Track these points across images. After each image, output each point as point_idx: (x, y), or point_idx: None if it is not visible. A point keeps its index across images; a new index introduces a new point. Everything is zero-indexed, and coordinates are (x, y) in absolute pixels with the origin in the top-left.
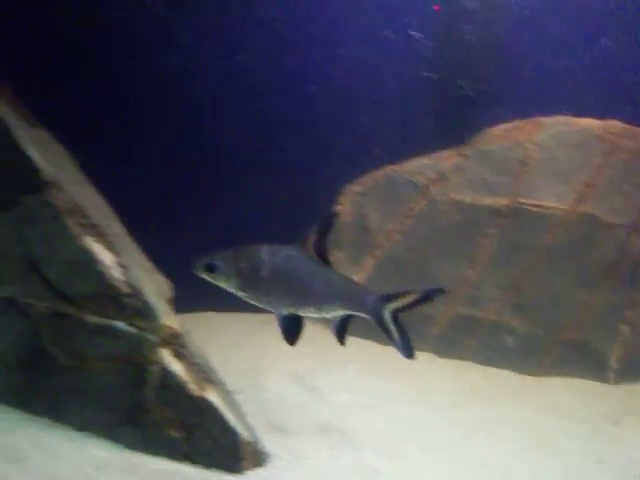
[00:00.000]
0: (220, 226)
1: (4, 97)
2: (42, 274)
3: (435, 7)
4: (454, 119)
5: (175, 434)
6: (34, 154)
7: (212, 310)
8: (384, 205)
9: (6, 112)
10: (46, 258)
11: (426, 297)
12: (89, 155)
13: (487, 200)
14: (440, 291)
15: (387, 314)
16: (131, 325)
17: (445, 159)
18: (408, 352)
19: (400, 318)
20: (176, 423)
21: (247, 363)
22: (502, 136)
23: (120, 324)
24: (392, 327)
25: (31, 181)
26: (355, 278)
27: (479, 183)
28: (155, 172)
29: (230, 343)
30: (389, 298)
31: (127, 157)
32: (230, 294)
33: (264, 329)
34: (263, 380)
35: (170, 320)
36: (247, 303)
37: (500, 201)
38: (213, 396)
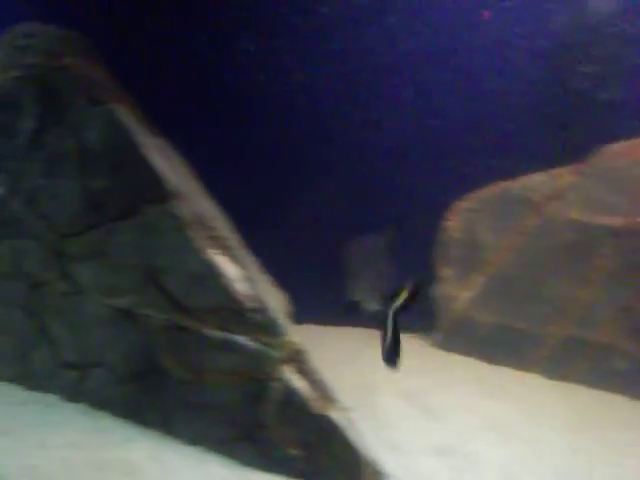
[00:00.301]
0: (327, 237)
1: (126, 105)
2: (162, 286)
3: (484, 14)
4: (573, 136)
5: (293, 452)
6: (158, 163)
7: (313, 323)
8: (495, 222)
9: (129, 120)
10: (167, 269)
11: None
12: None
13: (604, 219)
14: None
15: (391, 314)
16: (254, 340)
17: (561, 176)
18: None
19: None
20: (295, 441)
21: (357, 380)
22: (621, 154)
23: (242, 339)
24: (390, 329)
25: (154, 191)
26: (465, 295)
27: (596, 201)
28: (261, 182)
29: (338, 358)
30: (392, 296)
31: (239, 166)
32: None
33: (371, 344)
34: (375, 398)
35: (294, 336)
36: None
37: (617, 220)
38: (336, 414)
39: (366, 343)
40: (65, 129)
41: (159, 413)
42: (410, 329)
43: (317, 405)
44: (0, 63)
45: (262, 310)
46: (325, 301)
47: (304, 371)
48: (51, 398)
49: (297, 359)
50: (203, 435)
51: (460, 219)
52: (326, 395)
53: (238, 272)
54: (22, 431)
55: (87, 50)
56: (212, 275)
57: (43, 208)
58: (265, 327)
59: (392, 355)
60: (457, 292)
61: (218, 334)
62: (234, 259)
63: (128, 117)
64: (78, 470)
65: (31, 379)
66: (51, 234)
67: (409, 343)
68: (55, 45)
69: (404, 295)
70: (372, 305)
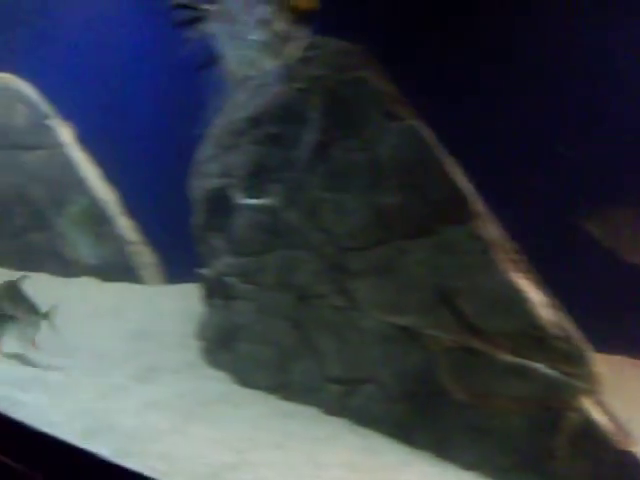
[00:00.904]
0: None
1: (417, 118)
2: (456, 307)
3: None
4: None
5: None
6: (462, 182)
7: None
8: None
9: (429, 136)
10: (463, 291)
11: None
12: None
13: None
14: None
15: None
16: (554, 368)
17: None
18: None
19: None
20: (589, 475)
21: (628, 413)
22: None
23: (539, 366)
24: None
25: (457, 210)
26: None
27: None
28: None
29: None
30: None
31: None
32: None
33: (629, 375)
34: None
35: (597, 367)
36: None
37: None
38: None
39: (624, 374)
40: (356, 143)
41: (433, 435)
42: None
43: (618, 440)
44: (280, 75)
45: (567, 338)
46: None
47: (602, 403)
48: (312, 411)
49: (597, 391)
50: (482, 461)
51: None
52: (625, 430)
53: (541, 297)
54: (291, 445)
55: (373, 63)
56: (515, 299)
57: (323, 221)
58: (569, 356)
59: None
60: None
61: (512, 359)
62: (536, 283)
63: (427, 134)
64: None
65: (290, 390)
66: (330, 247)
67: None
68: (343, 58)
69: None
70: None
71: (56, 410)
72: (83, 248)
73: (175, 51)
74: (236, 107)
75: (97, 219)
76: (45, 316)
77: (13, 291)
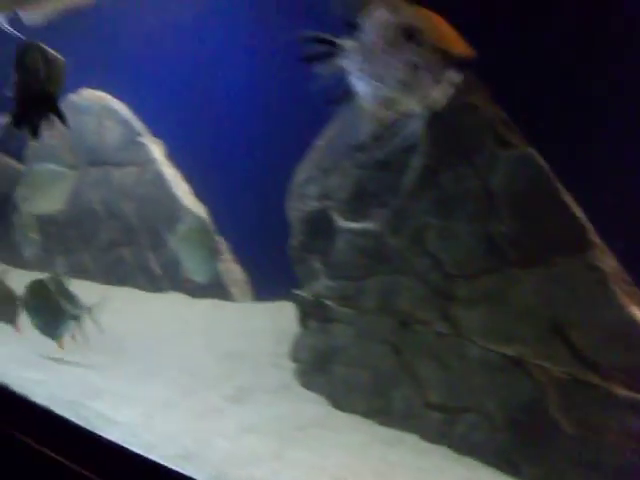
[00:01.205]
0: None
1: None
2: (568, 339)
3: None
4: None
5: None
6: (578, 211)
7: None
8: None
9: (545, 164)
10: (577, 323)
11: None
12: None
13: None
14: None
15: None
16: None
17: None
18: None
19: None
20: None
21: None
22: None
23: None
24: None
25: (573, 240)
26: None
27: None
28: None
29: None
30: None
31: None
32: None
33: None
34: None
35: None
36: None
37: None
38: None
39: None
40: (467, 170)
41: (539, 467)
42: None
43: None
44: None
45: None
46: None
47: None
48: (412, 438)
49: None
50: None
51: None
52: None
53: None
54: (392, 474)
55: (483, 88)
56: (633, 333)
57: (429, 247)
58: None
59: None
60: None
61: (628, 394)
62: None
63: (543, 162)
64: None
65: (388, 416)
66: (435, 274)
67: None
68: None
69: None
70: None
71: (150, 430)
72: (192, 266)
73: (277, 75)
74: (338, 130)
75: (206, 236)
76: (89, 311)
77: (59, 286)
